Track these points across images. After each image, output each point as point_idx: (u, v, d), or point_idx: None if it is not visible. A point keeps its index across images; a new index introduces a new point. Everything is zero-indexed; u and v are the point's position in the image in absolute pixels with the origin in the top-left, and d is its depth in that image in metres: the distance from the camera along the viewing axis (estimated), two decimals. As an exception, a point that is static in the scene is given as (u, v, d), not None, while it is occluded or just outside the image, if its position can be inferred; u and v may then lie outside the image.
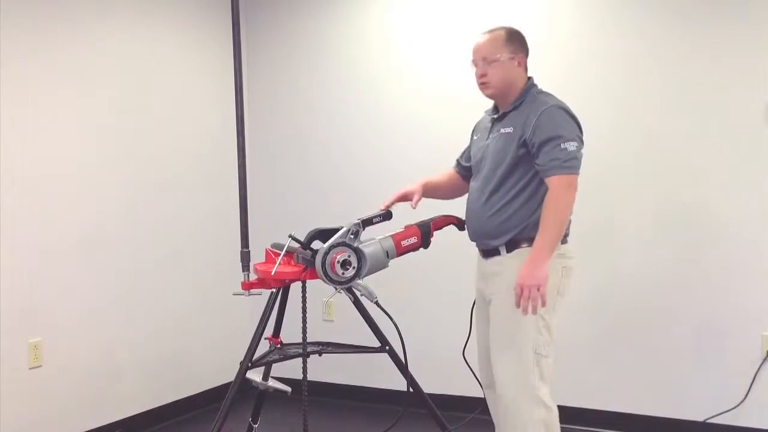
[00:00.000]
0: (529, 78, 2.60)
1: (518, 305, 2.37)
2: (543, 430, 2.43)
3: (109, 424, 3.63)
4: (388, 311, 2.65)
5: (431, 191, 2.80)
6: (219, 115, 4.20)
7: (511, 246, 2.49)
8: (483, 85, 2.57)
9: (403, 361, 2.82)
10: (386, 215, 2.70)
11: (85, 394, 3.53)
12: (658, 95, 3.54)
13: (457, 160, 2.88)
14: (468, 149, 2.81)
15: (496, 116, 2.61)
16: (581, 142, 2.45)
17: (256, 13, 4.47)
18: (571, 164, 2.38)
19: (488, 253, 2.57)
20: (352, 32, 4.24)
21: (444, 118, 3.97)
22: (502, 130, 2.53)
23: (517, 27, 2.63)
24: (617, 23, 3.61)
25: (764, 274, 3.37)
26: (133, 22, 3.82)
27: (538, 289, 2.33)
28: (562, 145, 2.38)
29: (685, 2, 3.47)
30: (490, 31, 2.58)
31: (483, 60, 2.54)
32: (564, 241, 2.50)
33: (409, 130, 4.08)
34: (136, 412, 3.77)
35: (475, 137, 2.75)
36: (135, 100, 3.82)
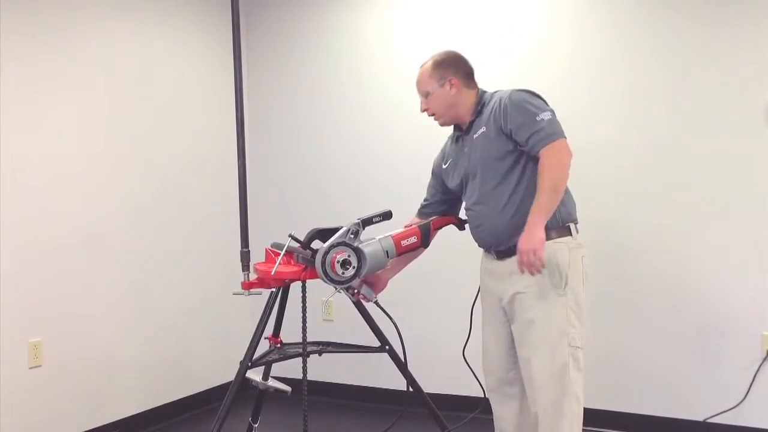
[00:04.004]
0: (479, 90, 2.61)
1: (521, 271, 2.37)
2: (580, 425, 2.44)
3: (108, 424, 3.63)
4: (387, 311, 2.65)
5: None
6: (219, 116, 4.19)
7: None
8: (432, 118, 2.64)
9: (403, 360, 2.82)
10: (386, 215, 2.69)
11: (84, 394, 3.53)
12: (658, 95, 3.53)
13: (430, 203, 2.82)
14: (434, 185, 2.80)
15: (460, 133, 2.64)
16: (553, 111, 2.44)
17: (256, 14, 4.47)
18: (553, 131, 2.38)
19: (504, 253, 2.52)
20: (352, 32, 4.24)
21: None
22: (476, 135, 2.54)
23: (450, 48, 2.66)
24: (617, 23, 3.61)
25: (764, 274, 3.37)
26: (133, 23, 3.82)
27: (535, 254, 2.31)
28: (538, 118, 2.38)
29: (686, 2, 3.47)
30: (422, 65, 2.64)
31: (422, 96, 2.63)
32: (578, 230, 2.52)
33: (409, 130, 4.07)
34: (135, 412, 3.77)
35: (445, 165, 2.73)
36: (135, 101, 3.82)
